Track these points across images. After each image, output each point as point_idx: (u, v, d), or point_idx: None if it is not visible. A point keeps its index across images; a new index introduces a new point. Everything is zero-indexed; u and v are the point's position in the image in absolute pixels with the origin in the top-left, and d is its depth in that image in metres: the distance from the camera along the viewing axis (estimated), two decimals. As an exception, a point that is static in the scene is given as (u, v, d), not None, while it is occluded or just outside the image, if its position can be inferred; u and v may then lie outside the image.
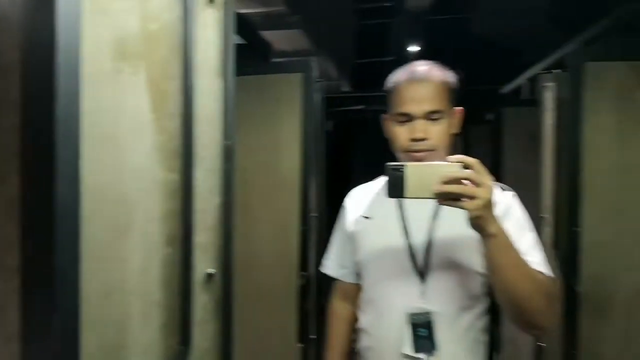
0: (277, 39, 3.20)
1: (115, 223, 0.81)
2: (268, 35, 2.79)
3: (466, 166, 0.94)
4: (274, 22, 3.19)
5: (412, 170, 0.96)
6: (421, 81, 1.14)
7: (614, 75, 1.72)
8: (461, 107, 1.20)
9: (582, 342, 1.79)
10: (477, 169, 0.93)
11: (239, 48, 1.16)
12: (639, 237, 1.75)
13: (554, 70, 1.88)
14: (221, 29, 1.08)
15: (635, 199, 1.75)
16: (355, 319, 1.32)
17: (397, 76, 1.20)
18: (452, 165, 0.94)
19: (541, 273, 1.06)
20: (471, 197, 0.91)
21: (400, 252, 1.18)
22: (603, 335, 1.81)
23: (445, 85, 1.16)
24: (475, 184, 0.92)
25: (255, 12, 3.15)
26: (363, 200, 1.33)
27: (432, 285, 1.14)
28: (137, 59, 0.90)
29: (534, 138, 2.05)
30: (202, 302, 0.97)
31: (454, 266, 1.14)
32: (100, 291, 0.76)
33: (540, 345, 2.12)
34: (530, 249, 1.08)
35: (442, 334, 1.11)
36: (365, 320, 1.25)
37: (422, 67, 1.19)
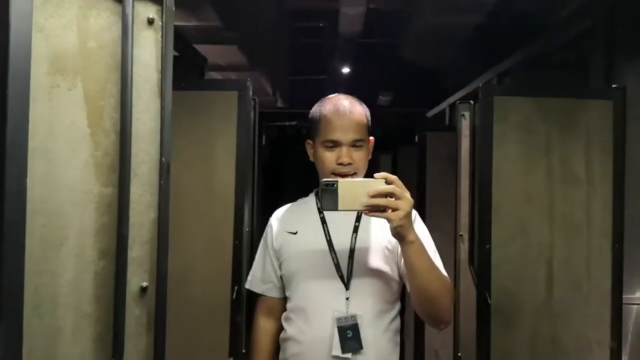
0: (212, 52, 3.22)
1: (48, 236, 0.82)
2: (202, 48, 2.81)
3: (388, 182, 1.08)
4: (209, 36, 3.21)
5: (344, 186, 1.09)
6: (346, 113, 1.30)
7: (520, 109, 1.91)
8: (373, 138, 1.37)
9: (494, 351, 1.94)
10: (398, 185, 1.08)
11: (174, 60, 1.20)
12: (541, 255, 1.94)
13: (470, 101, 2.06)
14: (159, 50, 1.11)
15: (536, 221, 1.95)
16: (278, 334, 1.39)
17: (323, 107, 1.35)
18: (378, 181, 1.08)
19: (445, 276, 1.24)
20: (394, 209, 1.06)
21: (326, 263, 1.29)
22: (512, 344, 1.97)
23: (365, 118, 1.34)
24: (397, 197, 1.06)
25: (191, 25, 3.15)
26: (287, 217, 1.43)
27: (355, 292, 1.27)
28: (74, 75, 0.92)
29: (453, 161, 2.22)
30: (135, 316, 0.98)
31: (374, 274, 1.28)
32: (31, 304, 0.76)
33: (459, 355, 2.27)
34: (433, 255, 1.25)
35: (366, 334, 1.24)
36: (292, 328, 1.33)
37: (345, 100, 1.35)
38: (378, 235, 1.31)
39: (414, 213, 1.32)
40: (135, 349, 0.97)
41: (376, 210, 1.09)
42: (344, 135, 1.30)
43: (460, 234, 2.19)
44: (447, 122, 3.16)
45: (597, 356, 1.93)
